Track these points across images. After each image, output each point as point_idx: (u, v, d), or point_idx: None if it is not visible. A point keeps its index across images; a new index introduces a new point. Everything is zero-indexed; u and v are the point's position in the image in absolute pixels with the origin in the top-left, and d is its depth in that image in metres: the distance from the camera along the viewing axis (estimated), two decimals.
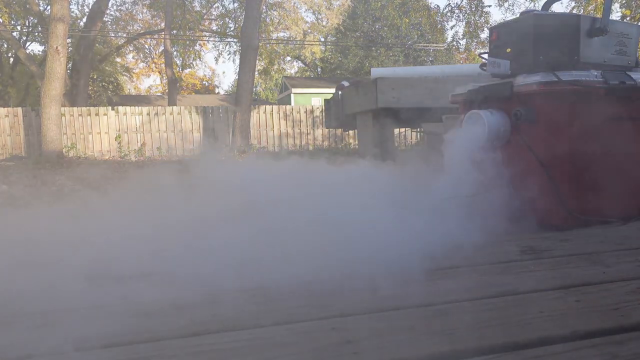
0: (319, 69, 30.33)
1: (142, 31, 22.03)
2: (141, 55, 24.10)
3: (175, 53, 20.65)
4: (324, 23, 26.48)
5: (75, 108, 11.62)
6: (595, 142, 1.51)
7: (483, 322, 0.81)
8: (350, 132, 11.76)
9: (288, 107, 13.01)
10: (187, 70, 27.61)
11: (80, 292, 1.05)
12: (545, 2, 1.79)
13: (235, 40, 20.46)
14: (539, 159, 1.46)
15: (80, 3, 33.42)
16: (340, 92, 3.17)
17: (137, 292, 1.03)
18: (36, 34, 19.46)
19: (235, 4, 20.87)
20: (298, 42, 24.28)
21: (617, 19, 7.99)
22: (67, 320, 0.88)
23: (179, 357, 0.72)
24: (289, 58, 27.52)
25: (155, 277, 1.13)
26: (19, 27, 18.91)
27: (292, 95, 23.17)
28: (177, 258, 1.24)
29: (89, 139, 11.32)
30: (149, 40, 22.59)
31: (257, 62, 12.21)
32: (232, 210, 1.57)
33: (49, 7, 13.48)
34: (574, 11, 15.53)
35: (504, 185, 1.53)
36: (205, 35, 21.86)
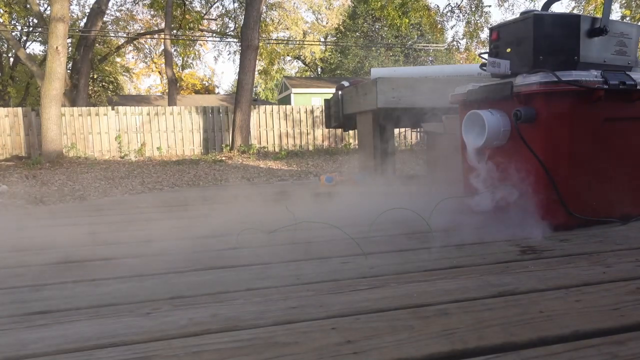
0: (319, 69, 30.35)
1: (142, 31, 22.03)
2: (141, 55, 24.12)
3: (175, 53, 20.65)
4: (324, 23, 26.49)
5: (75, 108, 11.62)
6: (596, 142, 1.51)
7: (483, 322, 0.81)
8: (350, 132, 11.77)
9: (288, 107, 13.01)
10: (187, 70, 27.63)
11: (79, 291, 1.05)
12: (545, 2, 1.79)
13: (235, 40, 20.47)
14: (539, 159, 1.46)
15: (82, 3, 33.43)
16: (340, 92, 3.16)
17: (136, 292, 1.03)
18: (36, 34, 19.47)
19: (235, 4, 20.89)
20: (298, 42, 24.29)
21: (617, 19, 8.00)
22: (67, 319, 0.88)
23: (179, 357, 0.72)
24: (289, 58, 27.54)
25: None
26: (19, 27, 18.91)
27: (292, 95, 23.18)
28: None
29: (89, 139, 11.32)
30: (149, 40, 22.59)
31: (257, 62, 12.21)
32: None
33: (49, 7, 13.48)
34: (574, 11, 15.55)
35: (504, 186, 1.53)
36: (205, 35, 21.86)
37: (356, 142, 10.06)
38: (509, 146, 1.57)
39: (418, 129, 3.08)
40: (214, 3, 21.02)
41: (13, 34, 16.44)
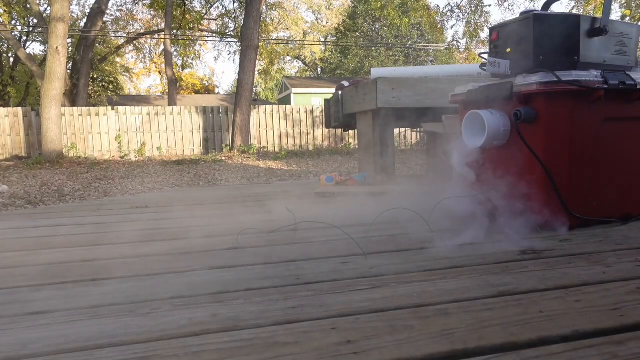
0: (319, 69, 30.36)
1: (142, 31, 22.04)
2: (141, 55, 24.12)
3: (175, 53, 20.66)
4: (324, 23, 26.50)
5: (75, 108, 11.63)
6: (596, 142, 1.51)
7: (483, 322, 0.81)
8: (350, 132, 11.77)
9: (288, 107, 13.00)
10: (187, 70, 27.65)
11: (79, 291, 1.05)
12: (545, 2, 1.79)
13: (235, 40, 20.47)
14: (539, 159, 1.46)
15: (82, 3, 33.47)
16: (340, 92, 3.16)
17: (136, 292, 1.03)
18: (36, 34, 19.48)
19: (235, 4, 20.90)
20: (298, 42, 24.30)
21: (617, 19, 8.00)
22: (67, 319, 0.88)
23: (179, 357, 0.72)
24: (289, 58, 27.56)
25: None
26: (19, 27, 18.93)
27: (292, 95, 23.18)
28: None
29: (89, 139, 11.33)
30: (149, 40, 22.60)
31: (257, 62, 12.21)
32: None
33: (49, 7, 13.49)
34: (573, 11, 15.56)
35: (504, 186, 1.53)
36: (205, 35, 21.86)
37: (356, 142, 10.07)
38: (509, 146, 1.57)
39: (418, 129, 3.08)
40: (214, 3, 21.02)
41: (13, 34, 16.44)
